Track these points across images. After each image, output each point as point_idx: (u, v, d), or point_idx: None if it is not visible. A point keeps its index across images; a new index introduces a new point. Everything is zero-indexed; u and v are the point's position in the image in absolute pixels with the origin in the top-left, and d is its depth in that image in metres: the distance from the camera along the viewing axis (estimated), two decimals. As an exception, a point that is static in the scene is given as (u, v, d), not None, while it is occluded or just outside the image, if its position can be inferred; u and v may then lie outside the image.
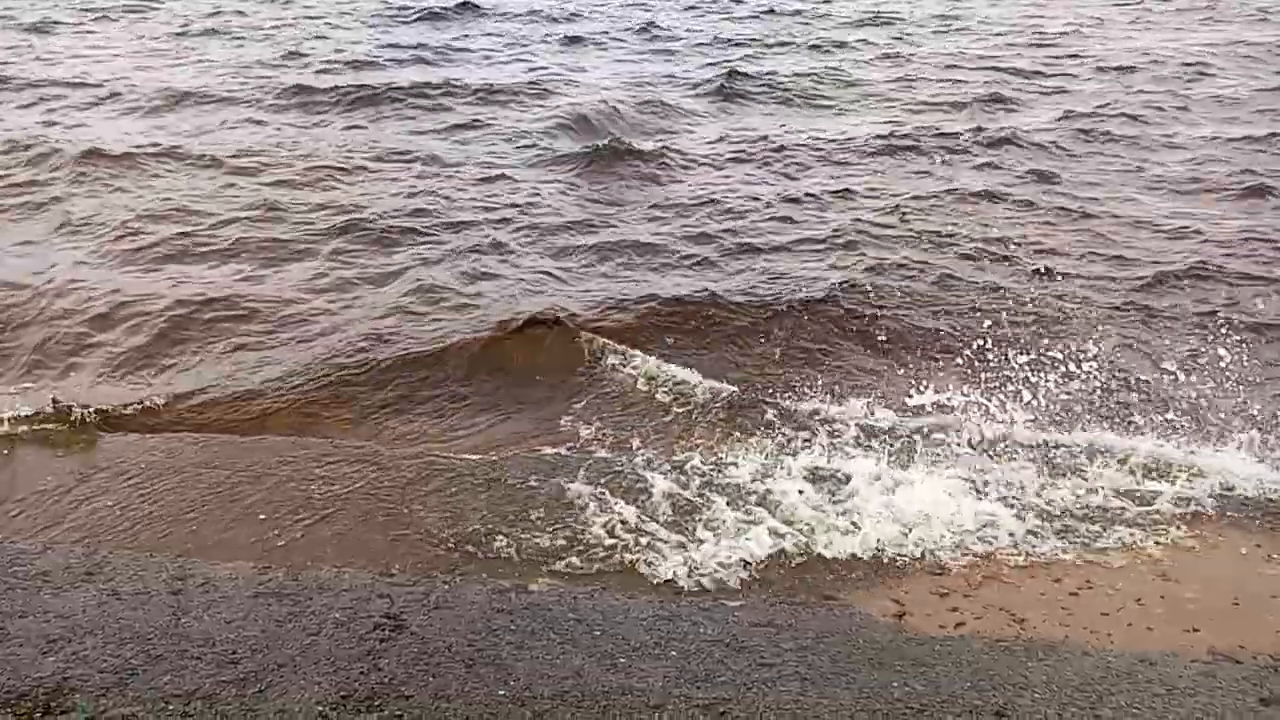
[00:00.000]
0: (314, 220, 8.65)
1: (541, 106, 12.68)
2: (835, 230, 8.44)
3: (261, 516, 4.53)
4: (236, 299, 7.13)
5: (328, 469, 4.94)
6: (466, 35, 18.10)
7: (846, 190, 9.51)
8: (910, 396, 5.68)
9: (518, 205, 9.06)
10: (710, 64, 15.36)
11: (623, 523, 4.45)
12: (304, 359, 6.30)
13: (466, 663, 3.41)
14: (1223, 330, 6.48)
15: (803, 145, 11.07)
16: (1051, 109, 12.56)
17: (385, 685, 3.29)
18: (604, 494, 4.65)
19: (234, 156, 10.37)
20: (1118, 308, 7.05)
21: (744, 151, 10.94)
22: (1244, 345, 6.21)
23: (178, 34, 17.38)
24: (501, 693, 3.26)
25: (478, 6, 20.75)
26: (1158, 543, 4.37)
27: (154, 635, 3.52)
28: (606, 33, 18.31)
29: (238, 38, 17.17)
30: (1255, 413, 5.42)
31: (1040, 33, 17.97)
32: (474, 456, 5.13)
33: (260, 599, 3.76)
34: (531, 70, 14.98)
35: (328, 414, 5.80)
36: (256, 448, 5.22)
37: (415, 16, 19.74)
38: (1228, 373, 5.90)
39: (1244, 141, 11.00)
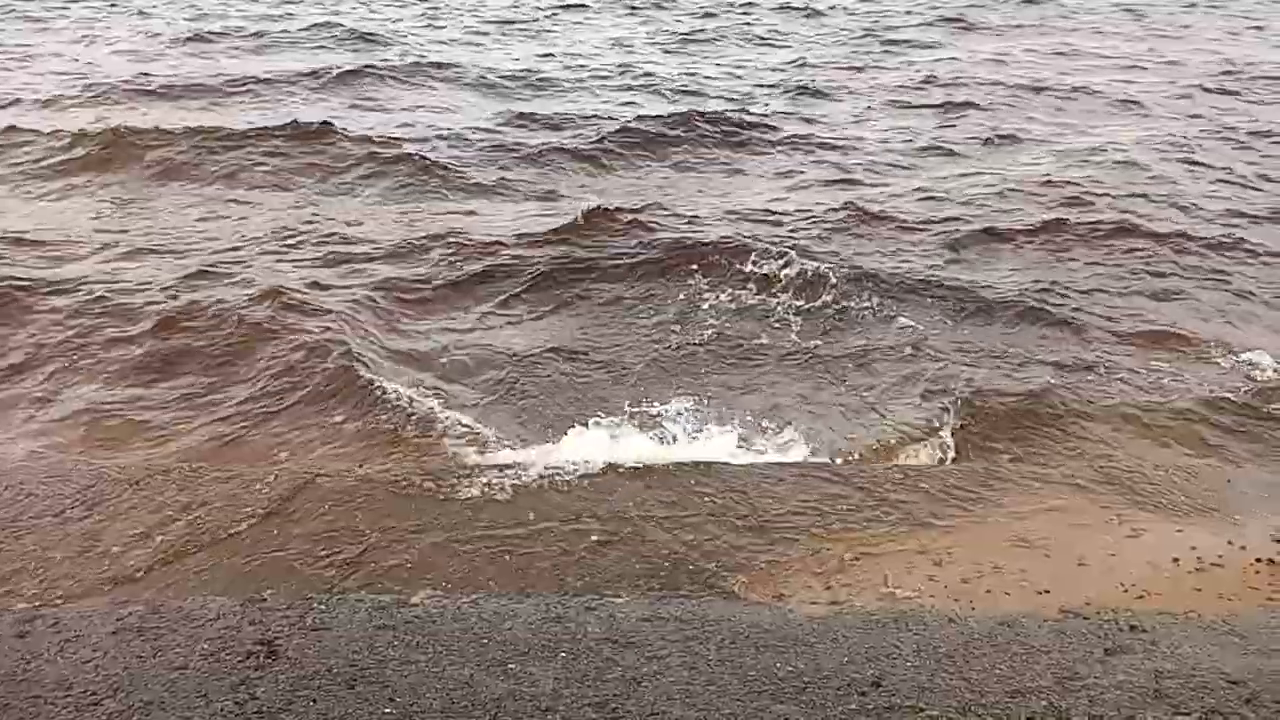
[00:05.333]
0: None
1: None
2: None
3: (115, 549, 4.26)
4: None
5: (184, 493, 4.68)
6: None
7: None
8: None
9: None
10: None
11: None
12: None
13: (348, 683, 3.30)
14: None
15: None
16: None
17: (262, 714, 3.15)
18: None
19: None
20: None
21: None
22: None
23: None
24: (388, 710, 3.18)
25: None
26: (1010, 510, 4.66)
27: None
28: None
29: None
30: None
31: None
32: (341, 465, 4.99)
33: (119, 635, 3.53)
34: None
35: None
36: (96, 473, 4.88)
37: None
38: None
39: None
